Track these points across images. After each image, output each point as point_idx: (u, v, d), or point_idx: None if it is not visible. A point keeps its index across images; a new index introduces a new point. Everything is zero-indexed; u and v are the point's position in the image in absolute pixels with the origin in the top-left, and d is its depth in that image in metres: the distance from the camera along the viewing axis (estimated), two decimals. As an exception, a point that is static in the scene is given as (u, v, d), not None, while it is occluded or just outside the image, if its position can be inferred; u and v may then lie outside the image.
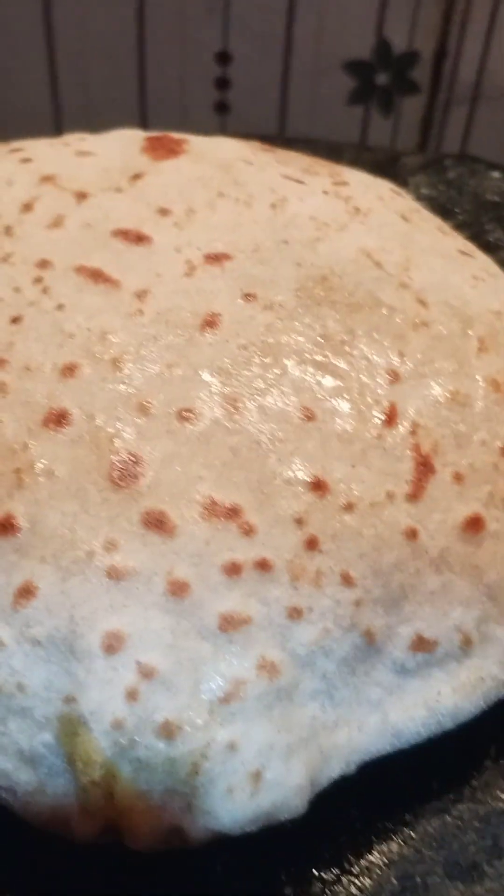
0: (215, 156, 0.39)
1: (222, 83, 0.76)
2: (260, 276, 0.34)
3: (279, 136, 0.75)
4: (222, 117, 0.78)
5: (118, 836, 0.27)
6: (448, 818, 0.31)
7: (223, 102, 0.78)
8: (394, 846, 0.30)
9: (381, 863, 0.29)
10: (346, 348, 0.32)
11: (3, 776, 0.27)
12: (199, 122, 0.76)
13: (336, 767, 0.29)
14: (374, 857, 0.30)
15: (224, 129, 0.77)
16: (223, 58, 0.74)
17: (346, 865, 0.29)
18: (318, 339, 0.32)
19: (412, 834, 0.30)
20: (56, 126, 0.74)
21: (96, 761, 0.26)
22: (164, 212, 0.35)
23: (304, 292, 0.34)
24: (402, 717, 0.29)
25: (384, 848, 0.30)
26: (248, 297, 0.33)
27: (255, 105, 0.77)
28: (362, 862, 0.29)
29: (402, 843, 0.30)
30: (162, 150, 0.39)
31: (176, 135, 0.41)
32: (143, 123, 0.76)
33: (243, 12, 0.71)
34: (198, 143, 0.40)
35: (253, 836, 0.27)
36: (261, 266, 0.34)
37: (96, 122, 0.74)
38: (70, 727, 0.26)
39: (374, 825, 0.30)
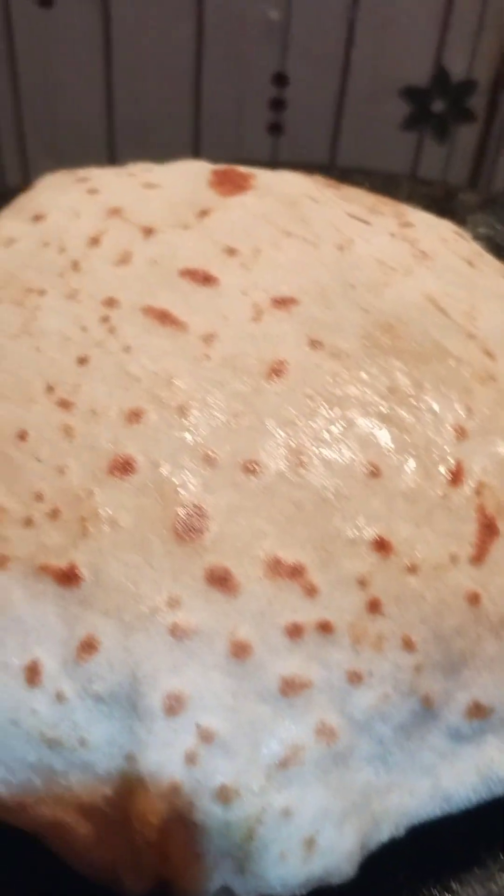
0: (281, 191, 0.39)
1: (277, 104, 0.76)
2: (326, 321, 0.33)
3: (333, 165, 0.75)
4: (275, 138, 0.78)
5: (168, 891, 0.27)
6: (494, 887, 0.31)
7: (277, 124, 0.78)
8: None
9: None
10: (413, 401, 0.32)
11: (62, 829, 0.26)
12: (251, 142, 0.76)
13: (386, 831, 0.28)
14: None
15: (276, 150, 0.77)
16: (280, 79, 0.74)
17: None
18: (385, 390, 0.31)
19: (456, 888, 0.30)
20: (109, 141, 0.74)
21: (152, 823, 0.25)
22: (231, 251, 0.35)
23: (370, 340, 0.33)
24: (453, 783, 0.29)
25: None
26: (314, 343, 0.32)
27: (308, 127, 0.77)
28: None
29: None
30: (229, 184, 0.39)
31: (242, 169, 0.41)
32: (196, 142, 0.76)
33: (302, 35, 0.71)
34: (264, 178, 0.40)
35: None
36: (327, 311, 0.34)
37: (149, 138, 0.75)
38: (129, 785, 0.26)
39: (420, 890, 0.30)
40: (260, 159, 0.73)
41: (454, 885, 0.30)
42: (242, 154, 0.77)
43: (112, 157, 0.75)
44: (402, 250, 0.38)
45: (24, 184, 0.75)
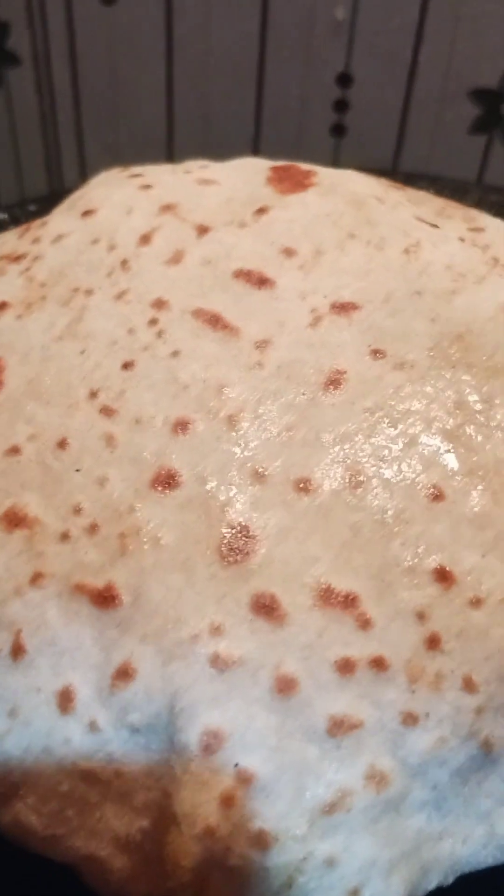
0: (346, 190, 0.37)
1: (341, 105, 0.75)
2: (390, 330, 0.31)
3: (397, 169, 0.74)
4: (338, 140, 0.77)
5: None
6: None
7: (340, 125, 0.77)
8: None
9: None
10: (482, 418, 0.29)
11: (96, 862, 0.25)
12: (313, 143, 0.75)
13: (434, 880, 0.26)
14: None
15: (339, 152, 0.77)
16: (344, 79, 0.73)
17: None
18: (452, 406, 0.29)
19: None
20: (168, 141, 0.74)
21: (186, 867, 0.24)
22: (289, 252, 0.33)
23: (437, 351, 0.31)
24: None
25: None
26: (376, 353, 0.30)
27: (372, 129, 0.76)
28: None
29: None
30: (289, 181, 0.37)
31: (303, 165, 0.39)
32: (257, 141, 0.75)
33: (369, 34, 0.70)
34: (326, 176, 0.38)
35: None
36: (391, 319, 0.32)
37: (209, 138, 0.74)
38: (164, 822, 0.24)
39: None
40: (321, 161, 0.73)
41: None
42: (303, 155, 0.76)
43: (170, 157, 0.75)
44: (472, 256, 0.35)
45: (83, 182, 0.76)
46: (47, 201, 0.57)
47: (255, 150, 0.75)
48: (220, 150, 0.73)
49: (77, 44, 0.69)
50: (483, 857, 0.27)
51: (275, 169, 0.38)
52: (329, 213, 0.35)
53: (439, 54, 0.68)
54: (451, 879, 0.27)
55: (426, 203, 0.40)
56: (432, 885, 0.26)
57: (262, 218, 0.35)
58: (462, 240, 0.36)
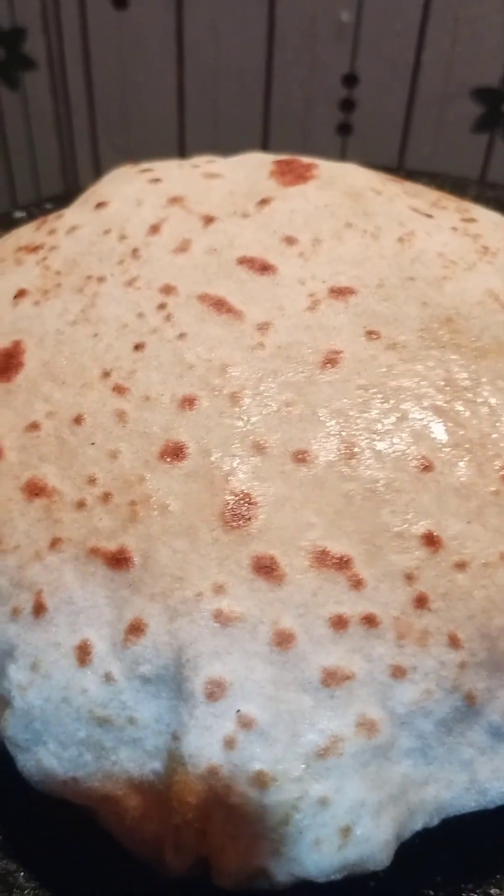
0: (344, 182, 0.39)
1: (347, 105, 0.76)
2: (384, 313, 0.33)
3: (402, 167, 0.75)
4: (344, 138, 0.78)
5: (207, 871, 0.27)
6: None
7: (346, 124, 0.78)
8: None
9: None
10: (470, 395, 0.31)
11: (114, 802, 0.27)
12: (320, 142, 0.76)
13: (420, 821, 0.28)
14: None
15: (345, 150, 0.78)
16: (350, 80, 0.74)
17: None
18: (441, 383, 0.31)
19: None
20: (180, 141, 0.75)
21: (190, 802, 0.26)
22: (290, 240, 0.35)
23: (428, 333, 0.33)
24: (489, 777, 0.29)
25: None
26: (370, 334, 0.32)
27: (377, 127, 0.77)
28: None
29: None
30: (290, 174, 0.39)
31: (305, 159, 0.40)
32: (265, 141, 0.76)
33: (373, 35, 0.71)
34: (327, 169, 0.40)
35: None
36: (385, 303, 0.33)
37: (219, 137, 0.76)
38: (172, 763, 0.26)
39: (461, 874, 0.30)
40: (328, 159, 0.74)
41: (493, 891, 0.30)
42: (310, 154, 0.77)
43: (181, 157, 0.76)
44: (464, 245, 0.37)
45: (97, 181, 0.77)
46: (63, 200, 0.58)
47: (264, 149, 0.76)
48: (230, 149, 0.75)
49: (91, 48, 0.70)
50: (465, 802, 0.28)
51: (278, 163, 0.40)
52: (328, 204, 0.37)
53: (441, 55, 0.69)
54: (436, 821, 0.28)
55: (422, 195, 0.41)
56: (419, 826, 0.28)
57: (264, 209, 0.36)
58: (454, 229, 0.38)
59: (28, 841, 0.30)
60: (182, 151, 0.75)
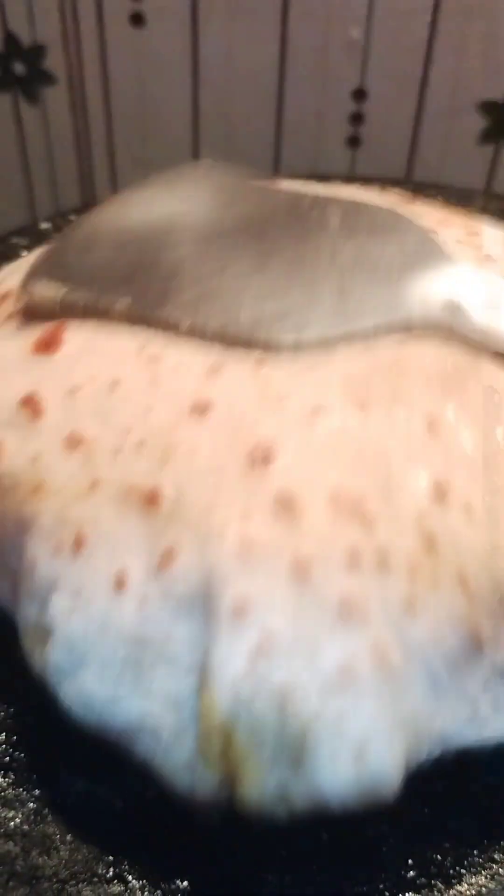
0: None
1: (356, 118, 0.78)
2: None
3: (410, 178, 0.77)
4: (354, 151, 0.80)
5: (232, 794, 0.29)
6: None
7: (356, 137, 0.80)
8: (482, 879, 0.31)
9: (469, 893, 0.31)
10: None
11: (152, 718, 0.29)
12: (330, 154, 0.79)
13: (424, 751, 0.30)
14: (464, 887, 0.31)
15: (354, 162, 0.80)
16: (359, 94, 0.76)
17: (437, 894, 0.31)
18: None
19: (500, 871, 0.32)
20: (195, 154, 0.78)
21: (218, 711, 0.28)
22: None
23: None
24: (489, 711, 0.30)
25: (473, 881, 0.31)
26: None
27: (386, 140, 0.79)
28: (452, 892, 0.31)
29: (489, 877, 0.31)
30: None
31: None
32: (278, 153, 0.79)
33: (382, 52, 0.74)
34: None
35: (347, 854, 0.29)
36: None
37: (233, 150, 0.78)
38: (203, 676, 0.28)
39: (463, 860, 0.32)
40: (338, 170, 0.76)
41: (497, 856, 0.32)
42: (321, 165, 0.79)
43: None
44: (466, 254, 0.40)
45: (113, 194, 0.79)
46: (84, 212, 0.61)
47: (276, 161, 0.79)
48: (242, 162, 0.77)
49: (109, 65, 0.73)
50: (465, 735, 0.30)
51: None
52: None
53: (448, 70, 0.72)
54: (437, 751, 0.30)
55: (430, 215, 0.44)
56: (423, 755, 0.30)
57: None
58: (459, 242, 0.41)
59: (63, 808, 0.32)
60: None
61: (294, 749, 0.28)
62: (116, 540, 0.30)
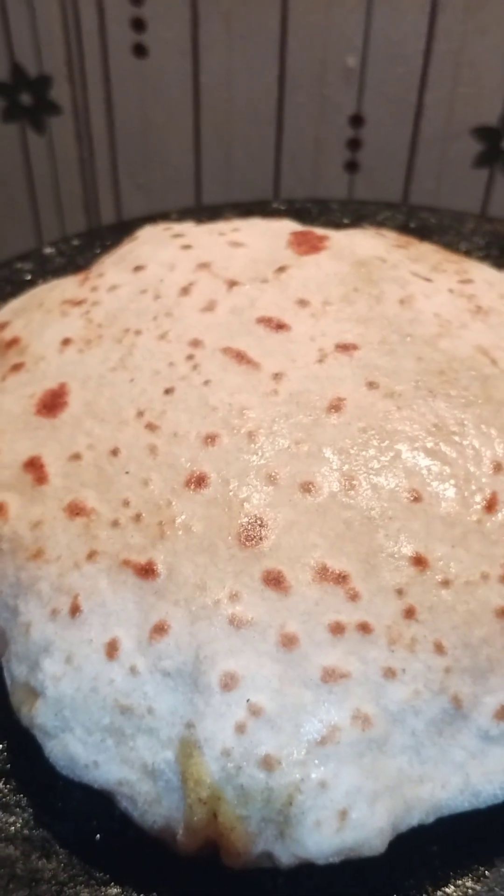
0: (353, 252, 0.43)
1: (354, 144, 0.79)
2: (384, 366, 0.37)
3: (406, 202, 0.78)
4: (351, 175, 0.81)
5: (216, 852, 0.31)
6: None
7: (353, 162, 0.81)
8: (468, 881, 0.33)
9: (456, 895, 0.32)
10: (457, 438, 0.35)
11: (129, 785, 0.31)
12: (329, 179, 0.79)
13: (416, 817, 0.31)
14: (450, 889, 0.33)
15: (352, 186, 0.80)
16: (356, 120, 0.77)
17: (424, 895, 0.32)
18: (432, 427, 0.35)
19: (486, 873, 0.33)
20: (196, 179, 0.79)
21: (205, 782, 0.30)
22: (302, 303, 0.39)
23: (422, 384, 0.37)
24: (482, 780, 0.32)
25: (459, 883, 0.33)
26: (371, 384, 0.37)
27: (383, 165, 0.80)
28: (439, 893, 0.32)
29: (476, 879, 0.33)
30: (306, 245, 0.43)
31: (319, 231, 0.44)
32: (277, 178, 0.79)
33: (378, 79, 0.74)
34: (338, 240, 0.44)
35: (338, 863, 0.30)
36: (386, 357, 0.38)
37: (233, 176, 0.79)
38: (187, 749, 0.30)
39: (451, 863, 0.33)
40: (336, 195, 0.77)
41: (483, 859, 0.33)
42: (320, 190, 0.80)
43: (198, 196, 0.79)
44: (458, 306, 0.41)
45: (118, 220, 0.80)
46: (88, 237, 0.62)
47: (276, 186, 0.80)
48: (243, 188, 0.78)
49: (113, 95, 0.74)
50: (460, 803, 0.32)
51: (295, 234, 0.44)
52: (337, 272, 0.41)
53: (443, 96, 0.73)
54: (431, 819, 0.31)
55: (425, 259, 0.45)
56: (415, 821, 0.31)
57: (281, 275, 0.41)
58: (451, 291, 0.42)
59: (62, 813, 0.34)
60: (198, 190, 0.79)
61: (279, 817, 0.29)
62: (110, 609, 0.32)
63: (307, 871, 0.31)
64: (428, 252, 0.46)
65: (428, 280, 0.42)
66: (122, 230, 0.50)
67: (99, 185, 0.80)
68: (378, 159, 0.80)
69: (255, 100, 0.75)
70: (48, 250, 0.59)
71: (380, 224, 0.63)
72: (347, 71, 0.73)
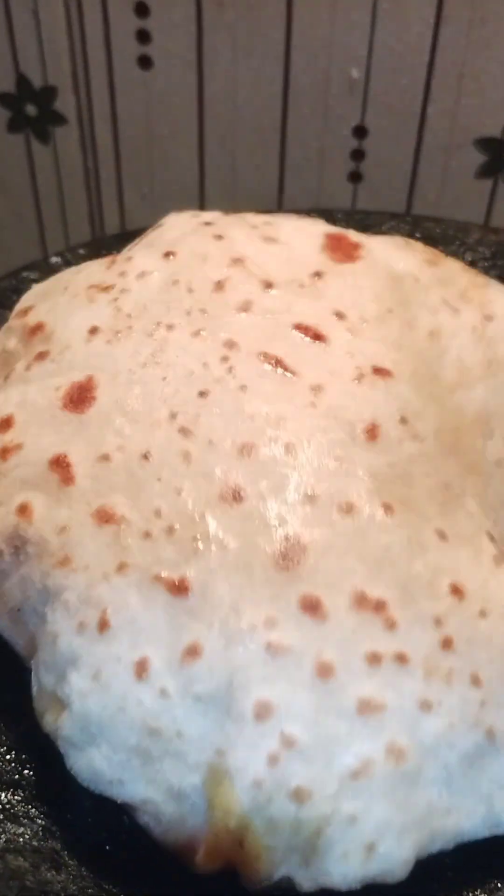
0: (387, 265, 0.41)
1: (357, 154, 0.79)
2: (414, 403, 0.36)
3: (409, 212, 0.77)
4: (355, 186, 0.81)
5: (235, 871, 0.30)
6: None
7: (357, 172, 0.80)
8: (482, 895, 0.32)
9: None
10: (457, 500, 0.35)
11: (153, 805, 0.30)
12: (332, 189, 0.79)
13: (438, 845, 0.31)
14: None
15: (356, 197, 0.80)
16: (360, 132, 0.77)
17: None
18: (443, 486, 0.35)
19: (500, 885, 0.33)
20: (200, 190, 0.78)
21: (234, 812, 0.29)
22: (340, 315, 0.38)
23: (440, 435, 0.36)
24: None
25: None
26: (403, 420, 0.35)
27: (386, 175, 0.80)
28: None
29: (489, 892, 0.32)
30: (341, 252, 0.41)
31: (352, 236, 0.43)
32: (281, 188, 0.79)
33: (381, 90, 0.74)
34: (373, 249, 0.42)
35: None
36: (415, 393, 0.37)
37: (237, 187, 0.79)
38: (216, 777, 0.29)
39: (464, 876, 0.33)
40: (340, 204, 0.77)
41: (499, 884, 0.33)
42: (324, 200, 0.80)
43: (202, 206, 0.78)
44: (476, 353, 0.40)
45: (122, 229, 0.79)
46: (93, 246, 0.61)
47: (280, 196, 0.79)
48: (247, 199, 0.78)
49: (118, 105, 0.73)
50: (481, 831, 0.31)
51: (329, 237, 0.42)
52: (372, 287, 0.40)
53: (446, 107, 0.72)
54: (451, 846, 0.31)
55: (453, 282, 0.43)
56: (436, 849, 0.31)
57: (318, 282, 0.39)
58: (474, 330, 0.41)
59: (71, 824, 0.33)
60: (202, 201, 0.78)
61: (306, 848, 0.28)
62: (140, 627, 0.30)
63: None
64: (456, 272, 0.44)
65: (456, 311, 0.41)
66: (126, 239, 0.49)
67: (103, 195, 0.79)
68: (381, 170, 0.80)
69: (259, 110, 0.74)
70: (54, 259, 0.58)
71: (385, 234, 0.63)
72: (351, 82, 0.73)
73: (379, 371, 0.36)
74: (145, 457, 0.33)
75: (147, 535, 0.32)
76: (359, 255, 0.41)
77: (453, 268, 0.44)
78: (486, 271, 0.56)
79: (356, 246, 0.41)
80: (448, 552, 0.32)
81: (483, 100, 0.74)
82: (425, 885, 0.32)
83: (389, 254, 0.42)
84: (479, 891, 0.32)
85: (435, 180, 0.80)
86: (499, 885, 0.32)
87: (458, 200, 0.79)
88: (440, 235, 0.63)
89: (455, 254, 0.59)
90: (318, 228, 0.43)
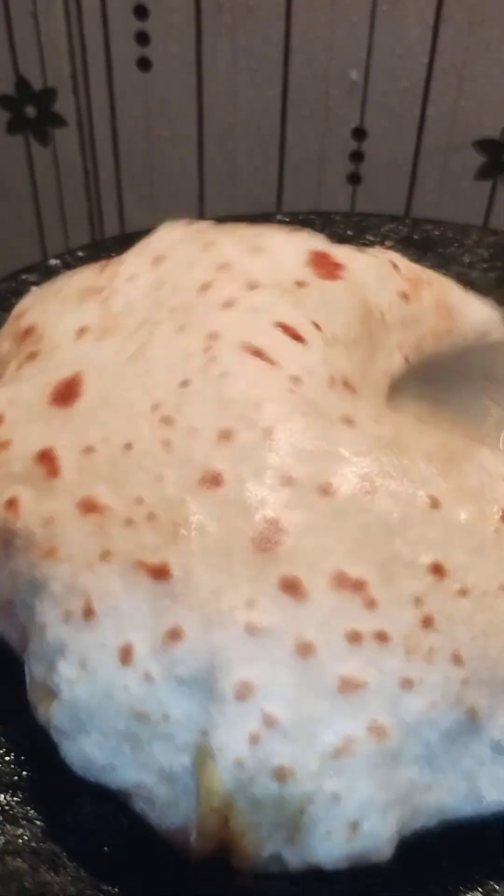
0: (363, 295, 0.41)
1: (357, 156, 0.79)
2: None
3: (408, 214, 0.78)
4: (354, 187, 0.81)
5: (227, 855, 0.30)
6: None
7: (356, 174, 0.81)
8: (478, 895, 0.33)
9: None
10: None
11: (146, 789, 0.30)
12: (332, 191, 0.79)
13: (420, 822, 0.31)
14: None
15: (355, 198, 0.81)
16: (359, 133, 0.77)
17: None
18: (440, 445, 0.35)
19: (496, 887, 0.33)
20: (200, 191, 0.79)
21: (218, 791, 0.29)
22: (316, 325, 0.38)
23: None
24: (486, 786, 0.31)
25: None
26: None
27: (385, 177, 0.80)
28: None
29: (486, 893, 0.33)
30: (323, 268, 0.42)
31: (337, 256, 0.43)
32: (280, 190, 0.80)
33: (381, 92, 0.75)
34: (353, 273, 0.42)
35: (350, 873, 0.30)
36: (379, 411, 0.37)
37: (237, 188, 0.79)
38: (201, 757, 0.29)
39: (461, 876, 0.33)
40: (339, 206, 0.77)
41: (492, 873, 0.33)
42: (323, 202, 0.81)
43: (201, 208, 0.78)
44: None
45: (121, 232, 0.80)
46: (92, 248, 0.62)
47: (279, 198, 0.80)
48: (246, 201, 0.78)
49: (117, 107, 0.74)
50: (463, 808, 0.31)
51: (314, 253, 0.42)
52: (347, 311, 0.40)
53: (445, 109, 0.73)
54: (433, 823, 0.31)
55: (416, 326, 0.42)
56: (418, 825, 0.31)
57: (300, 290, 0.39)
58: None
59: (70, 826, 0.33)
60: (202, 203, 0.79)
61: (290, 826, 0.29)
62: (124, 612, 0.31)
63: (316, 881, 0.30)
64: (425, 312, 0.43)
65: (405, 360, 0.41)
66: (125, 242, 0.49)
67: (103, 197, 0.79)
68: (380, 172, 0.81)
69: (258, 113, 0.75)
70: (53, 262, 0.59)
71: (384, 236, 0.63)
72: (351, 84, 0.73)
73: (349, 387, 0.37)
74: (128, 447, 0.34)
75: (129, 522, 0.32)
76: (340, 275, 0.41)
77: (426, 305, 0.43)
78: (485, 273, 0.56)
79: (338, 266, 0.42)
80: (437, 523, 0.32)
81: (482, 101, 0.75)
82: (423, 886, 0.32)
83: (368, 281, 0.42)
84: (475, 891, 0.32)
85: (434, 182, 0.80)
86: (495, 886, 0.33)
87: (458, 202, 0.80)
88: (438, 237, 0.63)
89: (453, 255, 0.59)
90: (304, 244, 0.43)
